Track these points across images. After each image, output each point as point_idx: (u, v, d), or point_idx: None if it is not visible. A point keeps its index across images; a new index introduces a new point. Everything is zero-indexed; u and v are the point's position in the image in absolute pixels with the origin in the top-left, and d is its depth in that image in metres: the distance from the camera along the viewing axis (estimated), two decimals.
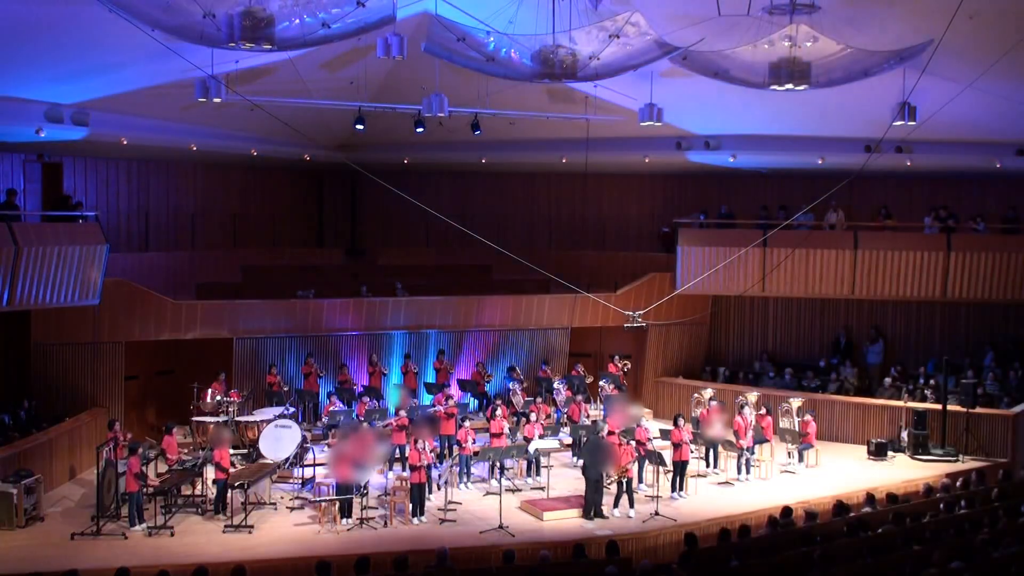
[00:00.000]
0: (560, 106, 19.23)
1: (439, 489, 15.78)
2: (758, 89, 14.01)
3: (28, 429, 16.62)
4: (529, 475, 16.96)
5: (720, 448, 17.37)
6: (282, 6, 11.42)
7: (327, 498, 14.88)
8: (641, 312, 17.89)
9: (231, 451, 15.55)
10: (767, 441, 17.69)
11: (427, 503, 15.08)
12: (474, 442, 16.58)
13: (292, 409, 18.44)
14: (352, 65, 17.23)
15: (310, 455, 16.57)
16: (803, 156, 20.28)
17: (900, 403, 19.82)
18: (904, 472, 17.70)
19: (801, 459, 18.08)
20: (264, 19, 11.28)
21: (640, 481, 16.32)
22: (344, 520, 14.54)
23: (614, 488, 15.51)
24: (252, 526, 14.33)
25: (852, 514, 12.73)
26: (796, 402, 19.15)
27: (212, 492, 15.04)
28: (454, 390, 20.10)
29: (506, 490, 15.40)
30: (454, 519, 14.92)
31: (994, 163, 19.22)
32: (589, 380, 20.73)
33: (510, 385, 19.78)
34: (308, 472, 16.32)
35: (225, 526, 14.26)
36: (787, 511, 12.94)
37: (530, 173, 25.67)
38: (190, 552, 13.15)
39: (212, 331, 19.42)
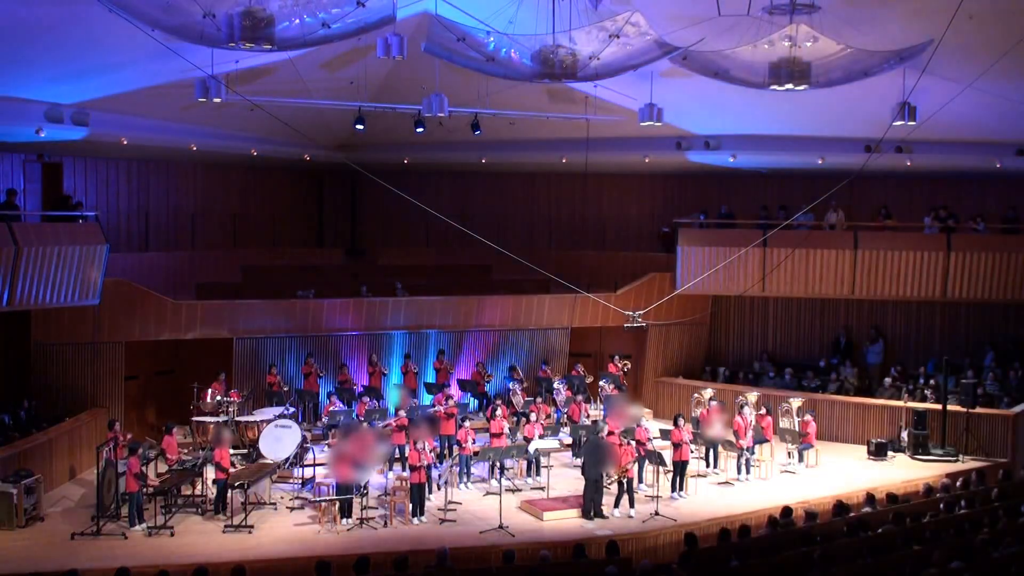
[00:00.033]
0: (560, 106, 19.22)
1: (439, 489, 15.78)
2: (758, 89, 13.99)
3: (28, 429, 16.61)
4: (529, 475, 16.95)
5: (720, 448, 17.37)
6: (282, 6, 11.41)
7: (327, 498, 14.88)
8: (641, 312, 17.88)
9: (231, 451, 15.54)
10: (767, 441, 17.68)
11: (427, 503, 15.08)
12: (474, 442, 16.58)
13: (292, 409, 18.43)
14: (352, 65, 17.22)
15: (310, 455, 16.57)
16: (803, 156, 20.26)
17: (900, 403, 19.81)
18: (904, 472, 17.69)
19: (801, 459, 18.08)
20: (264, 19, 11.28)
21: (640, 481, 16.31)
22: (344, 520, 14.54)
23: (614, 488, 15.51)
24: (252, 526, 14.33)
25: (852, 514, 12.73)
26: (796, 402, 19.15)
27: (212, 492, 15.04)
28: (454, 390, 20.09)
29: (506, 490, 15.39)
30: (454, 519, 14.92)
31: (994, 163, 19.21)
32: (589, 380, 20.71)
33: (510, 385, 19.78)
34: (308, 472, 16.31)
35: (225, 526, 14.26)
36: (787, 511, 12.94)
37: (530, 173, 25.66)
38: (190, 552, 13.15)
39: (212, 331, 19.42)
